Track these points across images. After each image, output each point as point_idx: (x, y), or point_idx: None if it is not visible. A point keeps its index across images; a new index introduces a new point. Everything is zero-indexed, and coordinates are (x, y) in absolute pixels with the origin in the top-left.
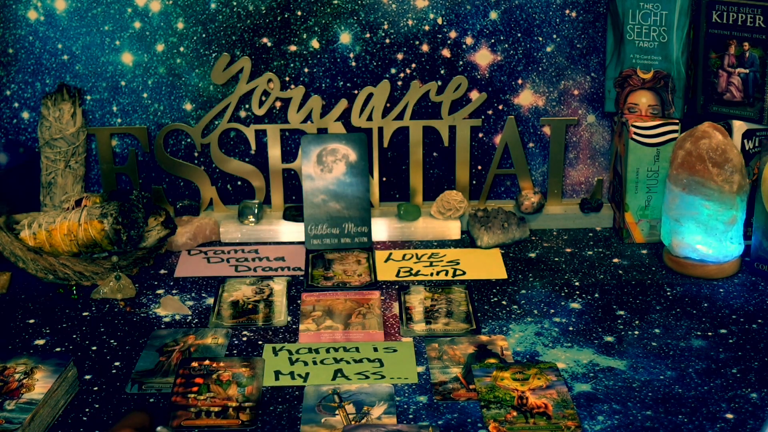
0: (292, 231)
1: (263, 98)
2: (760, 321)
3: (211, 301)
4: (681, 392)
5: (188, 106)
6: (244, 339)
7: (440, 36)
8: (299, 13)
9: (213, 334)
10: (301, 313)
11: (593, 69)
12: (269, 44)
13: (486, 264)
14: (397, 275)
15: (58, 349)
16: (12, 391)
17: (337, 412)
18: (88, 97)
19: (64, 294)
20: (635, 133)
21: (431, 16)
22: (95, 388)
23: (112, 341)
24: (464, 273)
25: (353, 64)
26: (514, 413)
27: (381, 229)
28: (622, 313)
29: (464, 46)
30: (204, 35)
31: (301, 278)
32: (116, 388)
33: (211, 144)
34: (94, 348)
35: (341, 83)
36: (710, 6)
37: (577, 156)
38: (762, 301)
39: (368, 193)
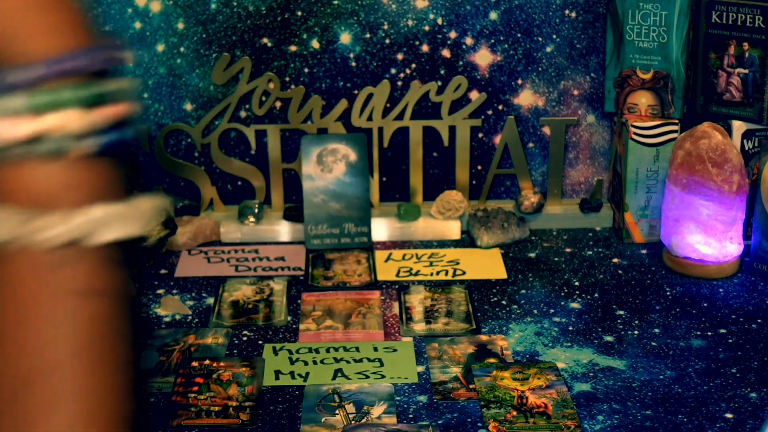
0: (292, 231)
1: (263, 98)
2: (759, 321)
3: (211, 300)
4: (681, 392)
5: (188, 107)
6: (245, 339)
7: (440, 36)
8: (299, 13)
9: (213, 334)
10: (301, 313)
11: (593, 69)
12: (269, 44)
13: (486, 264)
14: (397, 275)
15: None
16: None
17: (337, 411)
18: None
19: None
20: (635, 133)
21: (431, 16)
22: None
23: None
24: (464, 273)
25: (353, 64)
26: (514, 413)
27: (381, 229)
28: (621, 313)
29: (464, 47)
30: (204, 35)
31: (301, 278)
32: None
33: (212, 144)
34: None
35: (341, 83)
36: (710, 6)
37: (576, 156)
38: (762, 301)
39: (368, 193)
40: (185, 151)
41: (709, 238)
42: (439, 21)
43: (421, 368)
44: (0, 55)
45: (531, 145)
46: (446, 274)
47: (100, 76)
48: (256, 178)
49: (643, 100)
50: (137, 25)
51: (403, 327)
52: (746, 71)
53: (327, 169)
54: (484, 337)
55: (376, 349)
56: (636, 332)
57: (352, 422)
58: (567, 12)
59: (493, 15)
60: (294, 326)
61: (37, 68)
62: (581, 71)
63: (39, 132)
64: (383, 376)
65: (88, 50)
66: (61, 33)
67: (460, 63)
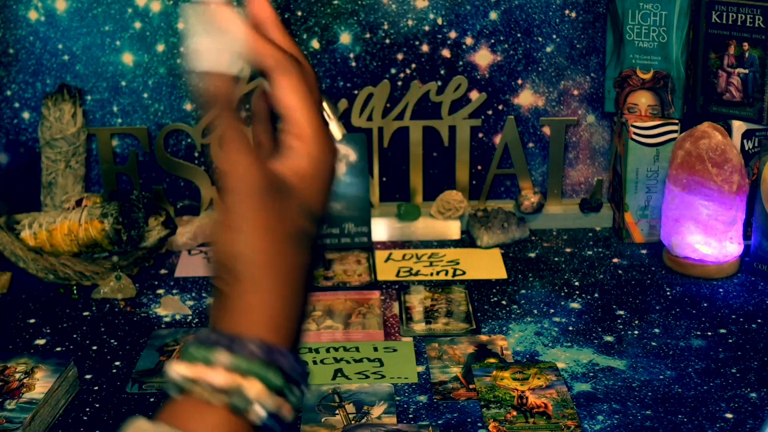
0: None
1: None
2: (759, 321)
3: (211, 301)
4: (681, 392)
5: (188, 107)
6: None
7: (440, 36)
8: (299, 13)
9: None
10: None
11: (593, 69)
12: None
13: (486, 264)
14: (397, 275)
15: (58, 349)
16: (12, 391)
17: (337, 411)
18: (89, 98)
19: (65, 294)
20: (635, 134)
21: (431, 16)
22: (95, 388)
23: (112, 341)
24: (464, 273)
25: (353, 64)
26: (514, 413)
27: (381, 229)
28: (621, 312)
29: (464, 47)
30: None
31: None
32: (116, 388)
33: (212, 144)
34: (95, 348)
35: (341, 83)
36: (710, 6)
37: (576, 156)
38: (761, 301)
39: (368, 193)
40: (185, 151)
41: (709, 238)
42: (439, 21)
43: (421, 368)
44: (222, 320)
45: (531, 145)
46: (446, 274)
47: (290, 378)
48: None
49: (643, 100)
50: (137, 25)
51: (403, 327)
52: (746, 71)
53: None
54: (484, 337)
55: (376, 349)
56: (636, 332)
57: (352, 422)
58: (567, 12)
59: (493, 15)
60: None
61: (254, 345)
62: (581, 71)
63: (230, 386)
64: (383, 376)
65: (294, 359)
66: (283, 334)
67: (460, 63)
